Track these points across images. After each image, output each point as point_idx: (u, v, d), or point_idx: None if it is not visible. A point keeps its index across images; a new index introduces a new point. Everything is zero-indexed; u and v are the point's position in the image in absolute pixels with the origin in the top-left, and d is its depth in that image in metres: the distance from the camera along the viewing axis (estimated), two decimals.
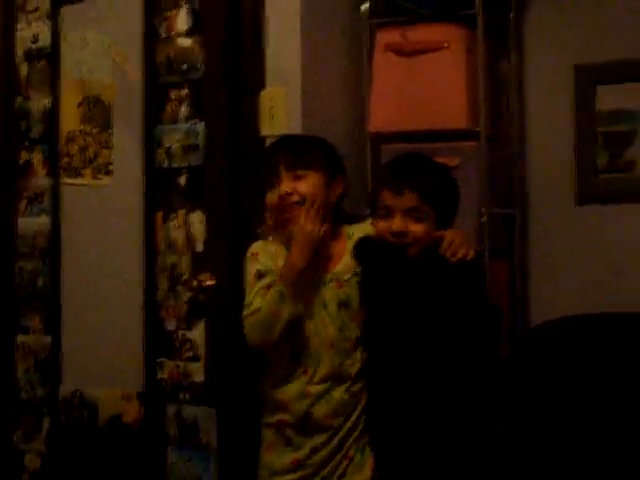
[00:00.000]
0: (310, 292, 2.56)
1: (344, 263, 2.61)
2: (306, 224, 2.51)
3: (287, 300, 2.49)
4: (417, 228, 2.49)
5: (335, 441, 2.56)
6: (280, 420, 2.59)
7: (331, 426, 2.55)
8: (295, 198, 2.57)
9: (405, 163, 2.61)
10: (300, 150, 2.63)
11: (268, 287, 2.53)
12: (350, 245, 2.62)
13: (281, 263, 2.56)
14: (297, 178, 2.58)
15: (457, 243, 2.52)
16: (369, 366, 2.58)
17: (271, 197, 2.61)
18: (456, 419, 2.47)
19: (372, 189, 2.71)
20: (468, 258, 2.52)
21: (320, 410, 2.55)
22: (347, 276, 2.59)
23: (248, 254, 2.64)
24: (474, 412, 2.48)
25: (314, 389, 2.55)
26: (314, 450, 2.56)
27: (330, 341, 2.55)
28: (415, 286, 2.52)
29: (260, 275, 2.56)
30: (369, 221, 2.64)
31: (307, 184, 2.58)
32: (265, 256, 2.60)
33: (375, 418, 2.57)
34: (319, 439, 2.56)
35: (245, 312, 2.54)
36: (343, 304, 2.57)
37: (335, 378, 2.56)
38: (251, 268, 2.60)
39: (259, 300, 2.52)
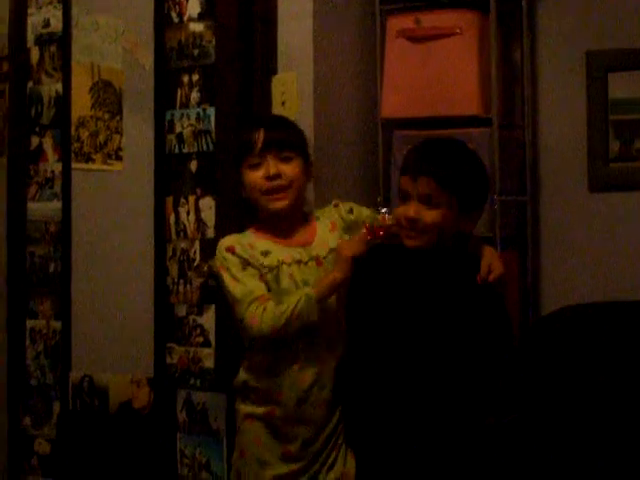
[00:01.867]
0: (291, 274, 2.53)
1: (318, 242, 2.59)
2: (355, 245, 2.47)
3: (313, 307, 2.44)
4: (429, 215, 2.42)
5: (326, 432, 2.54)
6: (269, 412, 2.53)
7: (322, 416, 2.52)
8: (283, 182, 2.53)
9: (425, 148, 2.54)
10: (286, 131, 2.60)
11: (260, 276, 2.50)
12: (319, 226, 2.63)
13: (257, 255, 2.52)
14: (284, 160, 2.55)
15: (495, 266, 2.50)
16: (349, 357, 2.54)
17: (255, 177, 2.55)
18: (445, 418, 2.44)
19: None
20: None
21: (313, 398, 2.51)
22: (324, 254, 2.57)
23: (222, 248, 2.54)
24: (468, 409, 2.46)
25: (308, 376, 2.51)
26: (306, 443, 2.53)
27: (314, 322, 2.49)
28: (428, 288, 2.50)
29: (247, 263, 2.51)
30: (332, 205, 2.68)
31: (294, 167, 2.56)
32: (242, 249, 2.53)
33: (354, 413, 2.54)
34: (311, 431, 2.52)
35: (248, 298, 2.46)
36: None
37: (325, 361, 2.53)
38: (233, 259, 2.51)
39: (267, 291, 2.48)
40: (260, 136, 2.54)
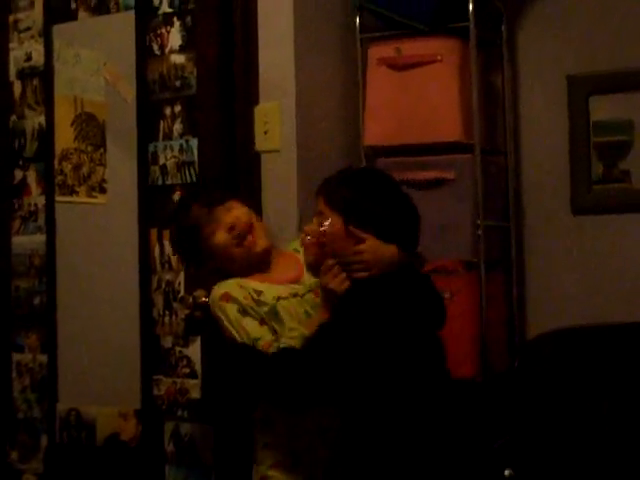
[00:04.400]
0: (290, 307, 2.54)
1: (308, 274, 2.61)
2: (334, 280, 2.46)
3: None
4: (314, 231, 2.52)
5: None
6: (292, 442, 2.55)
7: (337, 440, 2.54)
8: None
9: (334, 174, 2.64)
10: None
11: (262, 320, 2.51)
12: (301, 257, 2.65)
13: (252, 293, 2.53)
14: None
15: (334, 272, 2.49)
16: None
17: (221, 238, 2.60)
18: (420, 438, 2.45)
19: None
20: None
21: (331, 438, 2.54)
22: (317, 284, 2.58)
23: (216, 299, 2.55)
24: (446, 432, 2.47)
25: (327, 417, 2.53)
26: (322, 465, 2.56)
27: None
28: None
29: (244, 311, 2.51)
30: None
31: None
32: (236, 291, 2.53)
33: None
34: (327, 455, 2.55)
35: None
36: None
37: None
38: (229, 306, 2.52)
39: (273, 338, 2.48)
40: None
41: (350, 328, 2.42)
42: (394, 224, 2.52)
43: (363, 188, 2.54)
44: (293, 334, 2.46)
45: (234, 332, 2.51)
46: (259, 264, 2.61)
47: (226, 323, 2.52)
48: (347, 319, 2.44)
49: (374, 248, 2.47)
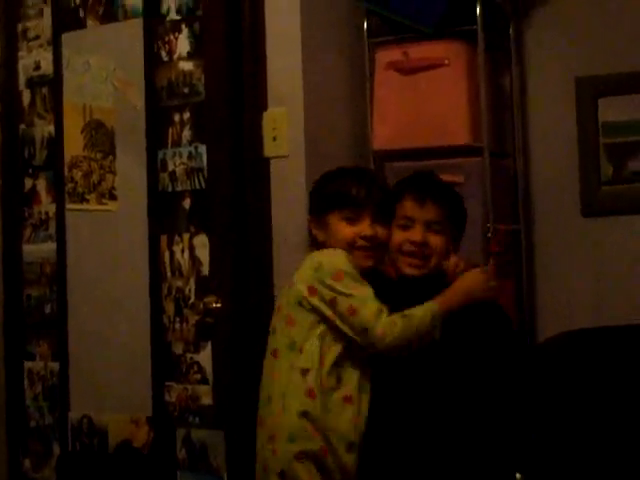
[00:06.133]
0: None
1: None
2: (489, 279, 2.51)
3: (439, 324, 2.43)
4: (437, 240, 2.52)
5: None
6: (322, 449, 2.41)
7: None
8: (373, 243, 2.54)
9: (426, 178, 2.65)
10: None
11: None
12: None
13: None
14: (379, 221, 2.55)
15: (461, 267, 2.54)
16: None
17: (347, 231, 2.53)
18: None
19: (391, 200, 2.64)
20: None
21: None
22: None
23: (342, 255, 2.49)
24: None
25: (361, 422, 2.47)
26: None
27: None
28: None
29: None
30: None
31: (386, 230, 2.57)
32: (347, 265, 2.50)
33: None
34: None
35: (377, 304, 2.41)
36: None
37: None
38: (353, 270, 2.46)
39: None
40: (364, 191, 2.55)
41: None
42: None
43: (461, 200, 2.68)
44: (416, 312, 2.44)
45: (354, 287, 2.44)
46: None
47: (346, 279, 2.45)
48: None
49: None
